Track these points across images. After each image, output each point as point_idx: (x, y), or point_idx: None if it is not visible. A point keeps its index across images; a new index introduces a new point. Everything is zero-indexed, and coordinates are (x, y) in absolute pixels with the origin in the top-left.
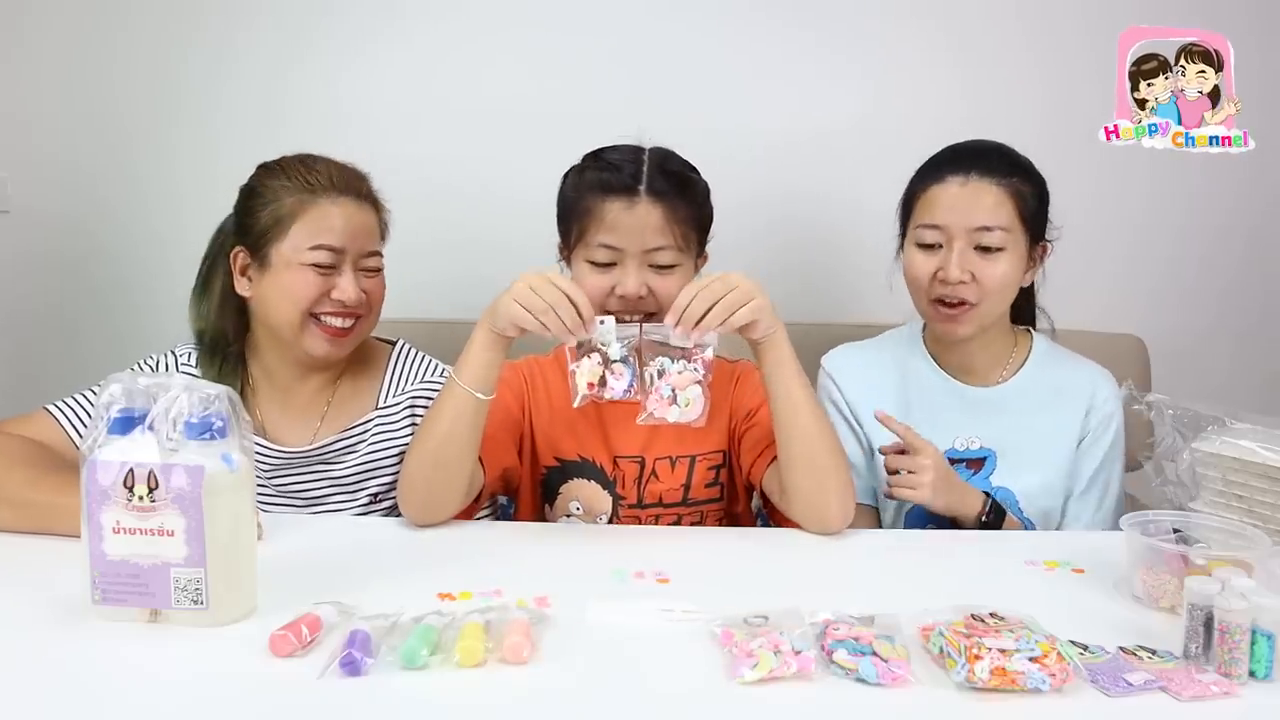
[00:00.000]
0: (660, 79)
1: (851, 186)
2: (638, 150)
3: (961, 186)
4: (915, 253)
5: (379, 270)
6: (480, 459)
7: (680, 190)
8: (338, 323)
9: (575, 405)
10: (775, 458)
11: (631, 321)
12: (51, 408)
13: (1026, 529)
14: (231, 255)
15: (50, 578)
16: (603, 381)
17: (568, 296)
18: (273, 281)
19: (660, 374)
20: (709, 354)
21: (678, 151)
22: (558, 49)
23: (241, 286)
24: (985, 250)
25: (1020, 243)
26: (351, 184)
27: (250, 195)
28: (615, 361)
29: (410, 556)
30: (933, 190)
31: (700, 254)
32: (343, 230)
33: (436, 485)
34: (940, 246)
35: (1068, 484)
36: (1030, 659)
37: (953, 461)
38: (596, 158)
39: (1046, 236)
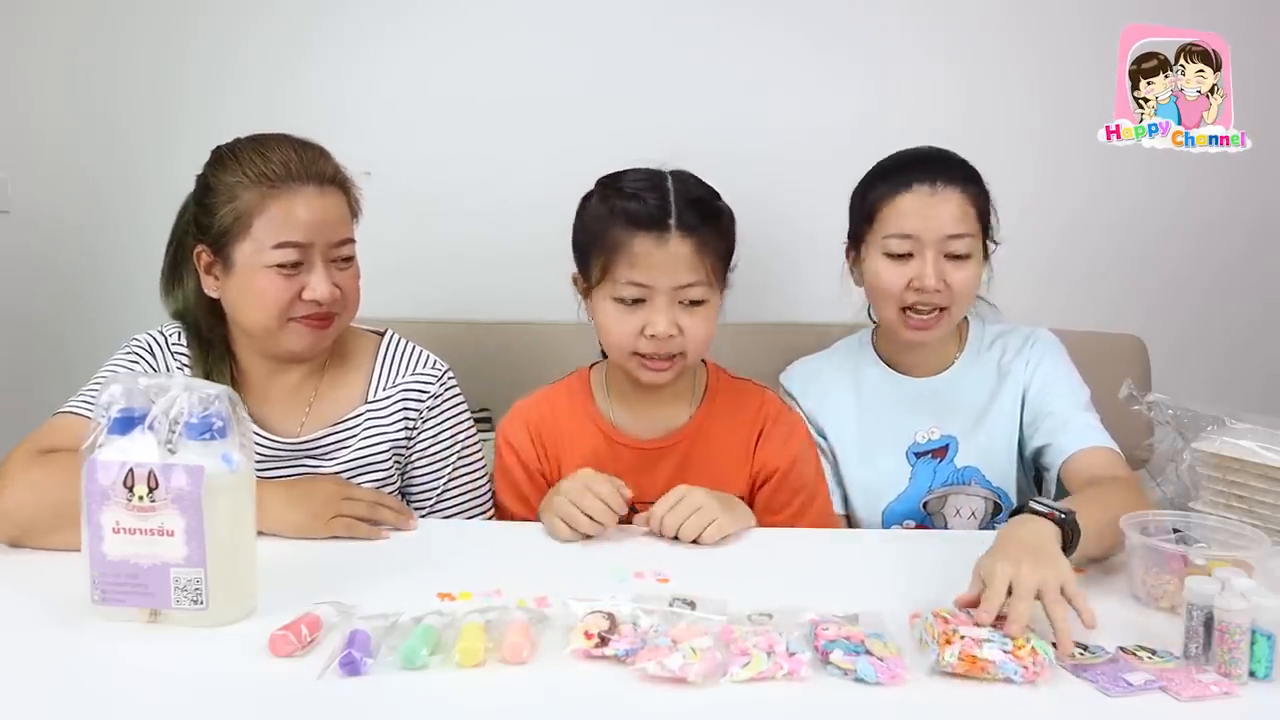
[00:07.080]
0: (660, 80)
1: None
2: (659, 176)
3: (931, 195)
4: (884, 262)
5: (352, 259)
6: None
7: (709, 222)
8: (314, 320)
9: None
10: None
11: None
12: (68, 409)
13: (1001, 499)
14: (195, 254)
15: (50, 577)
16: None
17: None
18: (240, 286)
19: None
20: None
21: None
22: (558, 50)
23: (209, 286)
24: (954, 257)
25: (979, 247)
26: (313, 169)
27: (206, 191)
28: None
29: (410, 556)
30: (901, 199)
31: (724, 286)
32: (308, 223)
33: None
34: (911, 256)
35: (1022, 439)
36: (1004, 650)
37: (919, 455)
38: (616, 186)
39: (993, 238)
